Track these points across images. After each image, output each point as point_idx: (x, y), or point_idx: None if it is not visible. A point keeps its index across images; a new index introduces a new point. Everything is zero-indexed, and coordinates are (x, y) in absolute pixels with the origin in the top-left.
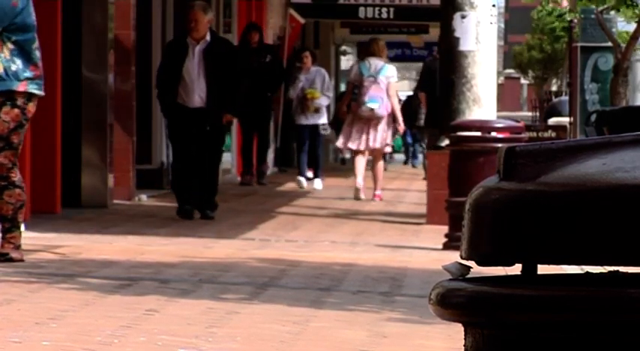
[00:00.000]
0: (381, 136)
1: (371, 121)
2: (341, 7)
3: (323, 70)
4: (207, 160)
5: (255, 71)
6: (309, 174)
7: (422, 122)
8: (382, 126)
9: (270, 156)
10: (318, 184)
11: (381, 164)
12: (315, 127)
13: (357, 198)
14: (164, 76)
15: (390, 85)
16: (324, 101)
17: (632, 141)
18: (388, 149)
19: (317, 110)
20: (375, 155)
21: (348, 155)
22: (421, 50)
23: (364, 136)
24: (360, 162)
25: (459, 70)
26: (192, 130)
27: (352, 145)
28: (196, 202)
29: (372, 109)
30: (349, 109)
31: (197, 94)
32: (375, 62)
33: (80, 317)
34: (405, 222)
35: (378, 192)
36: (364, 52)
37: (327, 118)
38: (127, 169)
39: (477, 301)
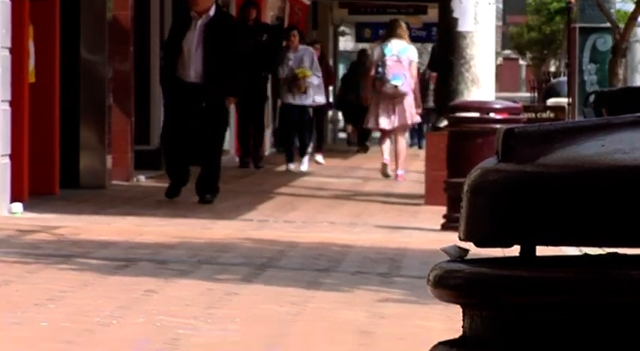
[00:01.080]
0: (408, 112)
1: (395, 98)
2: None
3: (311, 49)
4: (208, 141)
5: (252, 50)
6: (319, 157)
7: (430, 104)
8: (407, 102)
9: (268, 137)
10: (304, 165)
11: (403, 142)
12: (304, 108)
13: (384, 174)
14: (167, 48)
15: (412, 65)
16: (314, 80)
17: (631, 122)
18: (417, 119)
19: (306, 90)
20: (397, 133)
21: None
22: (420, 31)
23: (391, 115)
24: (387, 141)
25: (457, 51)
26: (189, 107)
27: (382, 125)
28: (196, 185)
29: (396, 86)
30: (374, 89)
31: (193, 69)
32: (397, 43)
33: (79, 298)
34: (403, 203)
35: (400, 172)
36: (386, 34)
37: (314, 97)
38: (125, 150)
39: (475, 282)
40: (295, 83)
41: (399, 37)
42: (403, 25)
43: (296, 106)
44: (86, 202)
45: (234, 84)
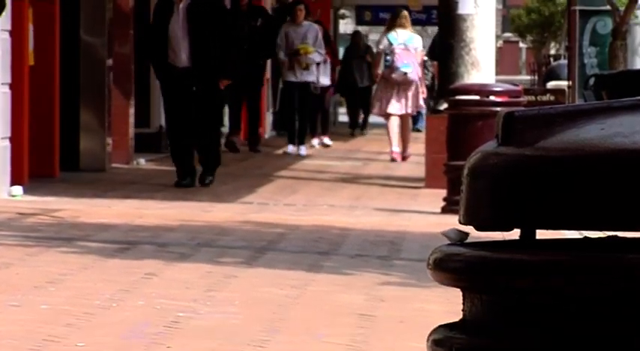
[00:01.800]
0: (413, 101)
1: (402, 85)
2: None
3: (316, 26)
4: (204, 123)
5: (246, 36)
6: (315, 141)
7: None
8: (413, 91)
9: (269, 120)
10: (303, 150)
11: (409, 127)
12: (306, 85)
13: (393, 160)
14: (150, 36)
15: (417, 54)
16: (316, 57)
17: (631, 106)
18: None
19: (307, 67)
20: (404, 119)
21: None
22: (420, 14)
23: (399, 101)
24: (394, 128)
25: (457, 34)
26: (183, 92)
27: (390, 110)
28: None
29: (405, 74)
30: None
31: (184, 54)
32: (402, 32)
33: (79, 281)
34: (403, 186)
35: (406, 153)
36: (391, 24)
37: (318, 77)
38: (125, 132)
39: (475, 266)
40: (296, 59)
41: (403, 26)
42: (407, 14)
43: (297, 83)
44: (86, 185)
45: (225, 65)
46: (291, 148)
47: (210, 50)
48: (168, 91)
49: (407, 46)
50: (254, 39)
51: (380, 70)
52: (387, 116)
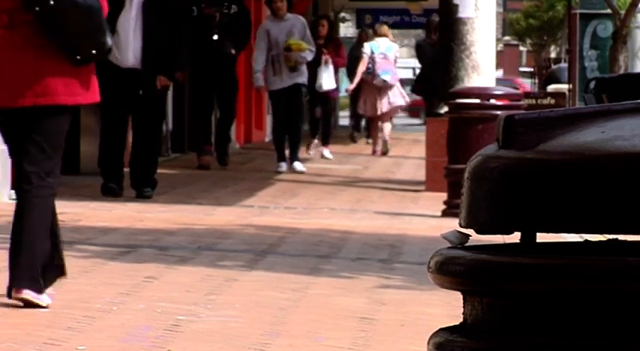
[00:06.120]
0: (390, 102)
1: (382, 89)
2: None
3: (302, 19)
4: (145, 130)
5: (219, 25)
6: (326, 151)
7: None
8: (393, 93)
9: (269, 123)
10: (299, 165)
11: (389, 125)
12: (295, 87)
13: (385, 149)
14: None
15: (396, 61)
16: (308, 56)
17: (631, 109)
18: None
19: (294, 68)
20: (385, 118)
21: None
22: (420, 17)
23: (380, 103)
24: (377, 125)
25: (457, 38)
26: (124, 95)
27: (369, 112)
28: (132, 179)
29: (385, 80)
30: (363, 81)
31: (131, 53)
32: (383, 42)
33: (79, 284)
34: (404, 189)
35: (386, 149)
36: (374, 34)
37: (329, 82)
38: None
39: (475, 269)
40: (285, 55)
41: (384, 36)
42: (387, 27)
43: (284, 89)
44: (87, 189)
45: (170, 64)
46: (283, 167)
47: (161, 51)
48: (106, 93)
49: (386, 55)
50: (227, 29)
51: (358, 78)
52: (372, 116)
